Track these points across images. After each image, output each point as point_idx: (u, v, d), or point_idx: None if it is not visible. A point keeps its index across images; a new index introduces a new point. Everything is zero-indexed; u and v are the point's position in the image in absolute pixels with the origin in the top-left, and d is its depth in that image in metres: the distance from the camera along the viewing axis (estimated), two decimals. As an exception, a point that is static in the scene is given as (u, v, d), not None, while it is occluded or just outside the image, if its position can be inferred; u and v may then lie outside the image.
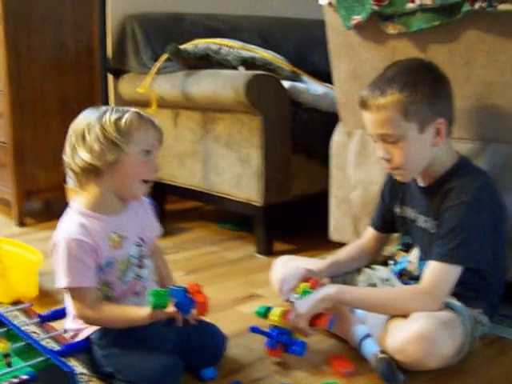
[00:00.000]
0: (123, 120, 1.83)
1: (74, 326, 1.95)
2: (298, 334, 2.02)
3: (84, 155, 1.83)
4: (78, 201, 1.91)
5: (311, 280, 2.09)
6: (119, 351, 1.83)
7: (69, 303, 1.93)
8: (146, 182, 1.91)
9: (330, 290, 1.99)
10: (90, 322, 1.88)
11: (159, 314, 1.80)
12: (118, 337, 1.85)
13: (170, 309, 1.78)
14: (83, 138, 1.84)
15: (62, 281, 1.82)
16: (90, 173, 1.85)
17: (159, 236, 2.09)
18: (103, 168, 1.84)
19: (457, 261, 1.88)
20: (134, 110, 1.88)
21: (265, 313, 2.09)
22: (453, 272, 1.88)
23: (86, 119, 1.86)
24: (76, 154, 1.84)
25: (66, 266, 1.80)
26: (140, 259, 1.96)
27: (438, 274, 1.89)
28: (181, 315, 1.80)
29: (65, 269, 1.80)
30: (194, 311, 1.83)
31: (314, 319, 1.98)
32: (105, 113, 1.85)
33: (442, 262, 1.88)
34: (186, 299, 1.80)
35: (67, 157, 1.88)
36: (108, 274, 1.88)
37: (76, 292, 1.83)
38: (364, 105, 1.97)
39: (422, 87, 1.91)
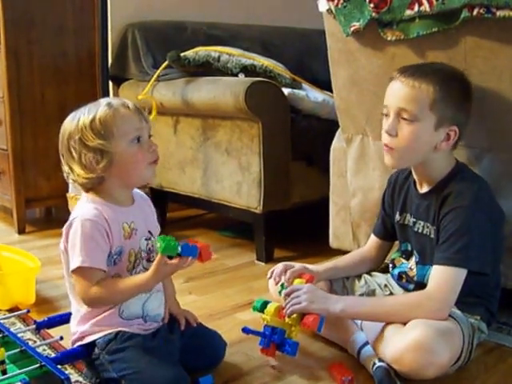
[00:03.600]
0: (97, 120, 1.81)
1: (81, 328, 1.92)
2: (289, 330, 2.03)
3: (79, 172, 1.84)
4: (90, 193, 1.90)
5: (306, 275, 2.10)
6: (127, 357, 1.82)
7: (75, 301, 1.92)
8: (151, 163, 1.90)
9: (335, 307, 1.98)
10: (95, 300, 1.84)
11: (165, 267, 1.79)
12: (126, 343, 1.84)
13: (175, 260, 1.78)
14: (71, 154, 1.84)
15: (75, 261, 1.80)
16: (94, 181, 1.86)
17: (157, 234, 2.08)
18: (102, 173, 1.84)
19: (460, 264, 1.87)
20: (104, 101, 1.87)
21: (261, 308, 2.10)
22: (458, 275, 1.87)
23: (67, 130, 1.86)
24: (73, 171, 1.86)
25: (79, 246, 1.79)
26: (148, 253, 1.95)
27: (443, 278, 1.88)
28: (187, 261, 1.79)
29: (79, 248, 1.79)
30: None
31: (304, 320, 1.98)
32: (79, 117, 1.84)
33: (446, 266, 1.88)
34: (190, 246, 1.79)
35: (67, 173, 1.89)
36: (118, 265, 1.87)
37: (86, 272, 1.80)
38: (398, 78, 1.98)
39: (456, 91, 1.95)
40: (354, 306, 2.01)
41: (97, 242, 1.81)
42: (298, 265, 2.21)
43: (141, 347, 1.83)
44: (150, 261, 1.94)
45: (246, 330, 2.09)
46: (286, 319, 2.04)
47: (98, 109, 1.83)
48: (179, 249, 1.77)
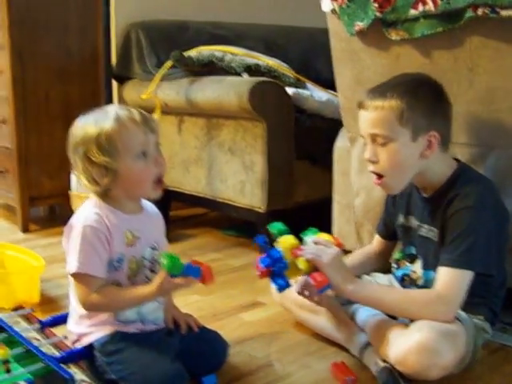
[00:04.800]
0: (103, 135, 1.80)
1: (78, 329, 1.94)
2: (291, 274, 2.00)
3: (85, 182, 1.85)
4: (100, 193, 1.90)
5: (338, 239, 2.06)
6: (123, 358, 1.82)
7: (73, 298, 1.92)
8: (157, 182, 1.89)
9: (347, 286, 1.95)
10: (94, 307, 1.85)
11: (168, 284, 1.79)
12: (122, 344, 1.84)
13: (179, 279, 1.78)
14: (76, 164, 1.85)
15: (71, 265, 1.81)
16: (100, 190, 1.86)
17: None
18: (107, 187, 1.85)
19: (466, 266, 1.86)
20: (111, 114, 1.84)
21: (278, 232, 2.07)
22: (464, 277, 1.86)
23: (74, 139, 1.85)
24: (80, 179, 1.86)
25: (77, 251, 1.80)
26: (153, 263, 1.95)
27: (450, 279, 1.86)
28: (189, 281, 1.79)
29: (76, 253, 1.80)
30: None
31: (314, 274, 1.94)
32: (86, 129, 1.83)
33: (452, 268, 1.86)
34: (193, 267, 1.80)
35: (78, 177, 1.89)
36: (118, 272, 1.87)
37: (83, 278, 1.81)
38: (362, 105, 1.98)
39: (423, 97, 1.92)
40: (363, 290, 1.96)
41: (95, 249, 1.81)
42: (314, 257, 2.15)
43: (137, 347, 1.83)
44: (153, 271, 1.95)
45: (259, 240, 2.04)
46: (299, 260, 1.98)
47: (105, 122, 1.81)
48: (183, 267, 1.78)
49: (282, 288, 1.98)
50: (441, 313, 1.85)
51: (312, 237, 2.06)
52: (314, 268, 1.95)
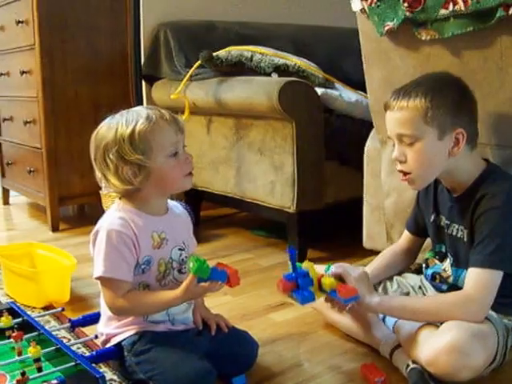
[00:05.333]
0: (136, 134, 1.80)
1: (107, 330, 1.95)
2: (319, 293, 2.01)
3: (115, 182, 1.85)
4: (123, 199, 1.91)
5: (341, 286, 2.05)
6: (152, 358, 1.83)
7: (102, 299, 1.93)
8: (188, 175, 1.90)
9: (372, 300, 1.97)
10: (122, 311, 1.87)
11: (195, 288, 1.80)
12: (151, 344, 1.85)
13: (206, 283, 1.79)
14: (107, 165, 1.84)
15: (97, 270, 1.82)
16: (129, 190, 1.87)
17: (194, 250, 2.08)
18: (139, 186, 1.85)
19: (495, 266, 1.84)
20: (143, 113, 1.85)
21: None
22: (494, 277, 1.85)
23: (104, 139, 1.85)
24: (108, 180, 1.86)
25: (103, 256, 1.81)
26: (181, 264, 1.95)
27: (480, 279, 1.85)
28: (216, 285, 1.81)
29: (102, 258, 1.81)
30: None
31: (341, 286, 1.97)
32: (117, 128, 1.83)
33: (482, 268, 1.85)
34: (220, 271, 1.81)
35: (99, 179, 1.89)
36: (147, 274, 1.88)
37: (109, 283, 1.83)
38: (388, 106, 1.98)
39: (447, 95, 1.91)
40: (391, 301, 2.00)
41: (121, 253, 1.81)
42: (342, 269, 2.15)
43: (165, 347, 1.84)
44: (181, 272, 1.96)
45: (291, 252, 2.02)
46: (323, 278, 2.00)
47: (138, 121, 1.82)
48: (210, 271, 1.79)
49: (307, 299, 1.98)
50: (471, 313, 1.84)
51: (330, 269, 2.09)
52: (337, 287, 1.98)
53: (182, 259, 1.95)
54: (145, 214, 1.89)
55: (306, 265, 2.03)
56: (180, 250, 1.95)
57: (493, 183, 1.92)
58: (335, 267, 2.06)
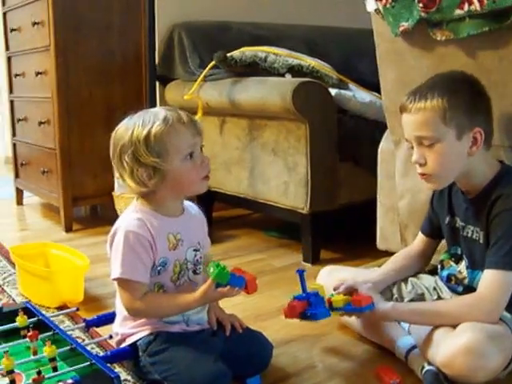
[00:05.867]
0: (152, 136, 1.79)
1: (122, 330, 1.95)
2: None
3: (132, 184, 1.85)
4: (140, 200, 1.91)
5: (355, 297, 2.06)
6: (167, 358, 1.83)
7: (118, 300, 1.94)
8: (203, 178, 1.90)
9: (386, 305, 1.99)
10: (139, 313, 1.88)
11: (213, 292, 1.81)
12: (166, 344, 1.85)
13: (224, 289, 1.80)
14: (123, 166, 1.84)
15: (115, 271, 1.82)
16: (145, 192, 1.87)
17: (209, 250, 2.09)
18: (154, 188, 1.85)
19: (509, 267, 1.84)
20: (160, 115, 1.84)
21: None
22: (507, 278, 1.84)
23: (120, 141, 1.84)
24: (124, 181, 1.86)
25: (120, 257, 1.81)
26: (195, 264, 1.96)
27: (494, 280, 1.85)
28: (233, 291, 1.82)
29: (119, 260, 1.81)
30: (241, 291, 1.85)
31: (356, 295, 2.02)
32: (133, 129, 1.82)
33: (496, 270, 1.84)
34: (238, 277, 1.82)
35: (118, 179, 1.90)
36: (162, 275, 1.88)
37: (126, 284, 1.83)
38: (404, 108, 1.97)
39: (463, 95, 1.90)
40: (404, 306, 2.02)
41: (138, 254, 1.82)
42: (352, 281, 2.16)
43: (180, 347, 1.84)
44: (196, 273, 1.96)
45: (300, 272, 2.04)
46: (334, 297, 2.05)
47: (155, 123, 1.81)
48: (229, 277, 1.80)
49: (323, 314, 2.01)
50: (486, 313, 1.84)
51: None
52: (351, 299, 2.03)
53: (197, 260, 1.96)
54: (161, 215, 1.89)
55: (315, 286, 2.06)
56: (195, 250, 1.95)
57: (507, 184, 1.92)
58: (344, 286, 2.11)
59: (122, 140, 1.84)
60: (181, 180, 1.85)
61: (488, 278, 1.86)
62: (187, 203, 2.02)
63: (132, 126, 1.83)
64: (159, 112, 1.86)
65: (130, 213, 1.89)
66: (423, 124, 1.90)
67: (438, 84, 1.93)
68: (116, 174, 1.89)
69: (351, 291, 2.09)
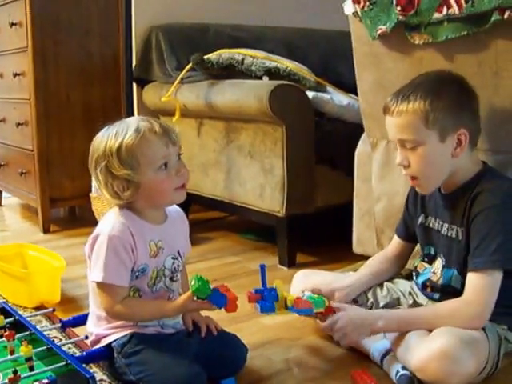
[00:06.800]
0: (123, 148, 1.79)
1: (97, 330, 1.95)
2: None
3: (107, 196, 1.86)
4: (123, 205, 1.90)
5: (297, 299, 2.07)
6: (142, 360, 1.83)
7: (93, 302, 1.95)
8: (178, 188, 1.89)
9: (375, 328, 1.97)
10: (118, 316, 1.88)
11: (192, 303, 1.84)
12: (141, 345, 1.85)
13: (203, 303, 1.83)
14: (98, 177, 1.85)
15: (96, 275, 1.82)
16: (123, 204, 1.88)
17: (188, 254, 2.09)
18: (129, 199, 1.86)
19: (497, 265, 1.83)
20: (132, 126, 1.83)
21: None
22: (494, 279, 1.84)
23: (95, 153, 1.85)
24: (101, 192, 1.87)
25: (103, 261, 1.81)
26: (173, 272, 1.96)
27: (481, 283, 1.84)
28: (212, 306, 1.84)
29: (102, 263, 1.81)
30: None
31: (297, 299, 2.04)
32: (107, 141, 1.82)
33: (483, 270, 1.84)
34: (220, 295, 1.84)
35: (96, 187, 1.91)
36: (139, 280, 1.88)
37: (107, 288, 1.83)
38: (387, 110, 1.96)
39: (447, 96, 1.90)
40: (392, 323, 1.97)
41: (121, 259, 1.82)
42: (325, 288, 2.18)
43: (155, 348, 1.84)
44: (172, 280, 1.97)
45: (262, 268, 2.07)
46: (289, 296, 2.06)
47: (126, 134, 1.80)
48: (210, 293, 1.82)
49: (266, 308, 2.01)
50: (472, 318, 1.84)
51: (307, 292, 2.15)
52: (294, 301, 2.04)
53: (175, 268, 1.96)
54: (144, 222, 1.89)
55: (276, 283, 2.06)
56: (173, 258, 1.96)
57: (490, 181, 1.92)
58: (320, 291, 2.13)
59: (96, 152, 1.84)
60: (155, 191, 1.85)
61: (474, 281, 1.86)
62: (171, 208, 2.01)
63: (106, 138, 1.83)
64: (132, 123, 1.85)
65: (114, 217, 1.88)
66: (405, 127, 1.91)
67: (422, 85, 1.93)
68: (95, 184, 1.91)
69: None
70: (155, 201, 1.89)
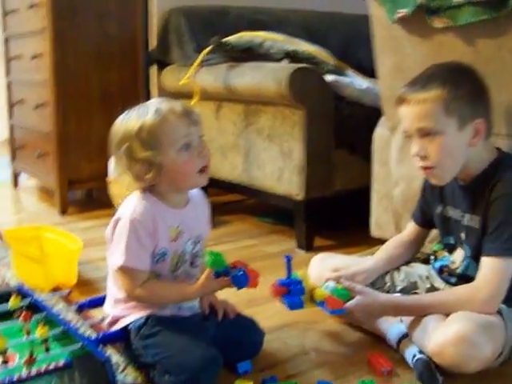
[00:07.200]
0: (145, 130, 1.79)
1: (113, 312, 1.95)
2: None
3: (130, 179, 1.86)
4: (145, 188, 1.90)
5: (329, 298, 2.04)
6: (159, 342, 1.83)
7: (112, 284, 1.95)
8: (202, 170, 1.88)
9: (388, 312, 2.00)
10: (139, 300, 1.88)
11: (212, 283, 1.85)
12: (157, 327, 1.85)
13: (224, 280, 1.85)
14: (120, 161, 1.85)
15: (117, 259, 1.82)
16: (144, 186, 1.88)
17: (207, 237, 2.08)
18: (152, 182, 1.85)
19: (508, 253, 1.83)
20: (152, 107, 1.83)
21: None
22: (507, 266, 1.83)
23: (116, 136, 1.85)
24: (123, 175, 1.86)
25: (124, 245, 1.81)
26: (193, 257, 1.96)
27: (492, 269, 1.84)
28: (234, 286, 1.86)
29: (123, 247, 1.81)
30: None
31: (329, 297, 2.00)
32: (127, 125, 1.82)
33: (495, 257, 1.84)
34: (244, 275, 1.85)
35: (119, 173, 1.90)
36: (159, 265, 1.88)
37: (129, 272, 1.83)
38: (403, 100, 1.94)
39: (465, 85, 1.88)
40: (405, 309, 1.99)
41: (142, 243, 1.82)
42: (345, 272, 2.17)
43: (172, 331, 1.84)
44: (193, 265, 1.97)
45: (288, 259, 2.05)
46: (316, 290, 2.04)
47: (147, 116, 1.81)
48: (226, 263, 1.85)
49: (295, 305, 2.00)
50: (484, 304, 1.83)
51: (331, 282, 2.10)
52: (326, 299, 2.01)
53: (195, 253, 1.96)
54: (165, 205, 1.89)
55: (301, 273, 2.05)
56: (194, 243, 1.96)
57: (507, 169, 1.91)
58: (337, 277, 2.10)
59: (117, 136, 1.84)
60: (177, 173, 1.84)
61: (487, 267, 1.86)
62: (192, 191, 2.00)
63: (126, 121, 1.84)
64: (152, 104, 1.85)
65: (136, 200, 1.88)
66: (425, 116, 1.88)
67: (439, 74, 1.91)
68: (110, 159, 1.90)
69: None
70: (178, 183, 1.88)
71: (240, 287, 1.86)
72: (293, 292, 2.00)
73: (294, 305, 1.99)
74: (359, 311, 2.00)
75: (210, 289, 1.89)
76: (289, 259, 2.04)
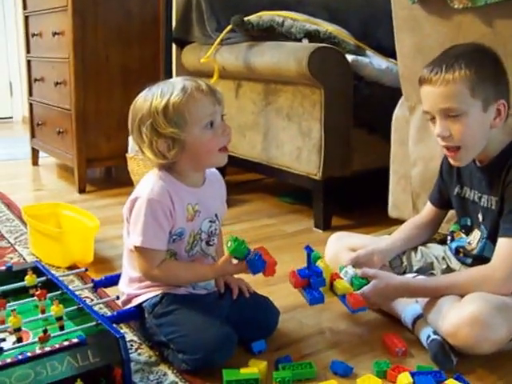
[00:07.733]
0: (170, 106, 1.78)
1: (128, 290, 1.96)
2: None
3: (150, 156, 1.84)
4: (163, 167, 1.89)
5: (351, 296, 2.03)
6: (173, 321, 1.84)
7: (128, 263, 1.96)
8: (222, 149, 1.88)
9: (403, 294, 2.02)
10: (155, 280, 1.89)
11: (230, 266, 1.87)
12: (172, 306, 1.86)
13: (241, 265, 1.86)
14: (142, 138, 1.84)
15: (135, 239, 1.83)
16: (165, 164, 1.87)
17: (223, 217, 2.08)
18: (173, 159, 1.84)
19: None
20: (178, 85, 1.82)
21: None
22: None
23: (139, 112, 1.84)
24: (144, 153, 1.86)
25: (142, 225, 1.81)
26: (210, 236, 1.97)
27: (508, 249, 1.84)
28: (249, 272, 1.88)
29: (140, 227, 1.81)
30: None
31: (351, 294, 2.00)
32: (152, 100, 1.81)
33: (510, 238, 1.84)
34: (260, 259, 1.85)
35: (138, 151, 1.89)
36: (176, 244, 1.89)
37: (146, 252, 1.83)
38: (427, 80, 1.91)
39: (489, 66, 1.88)
40: (419, 289, 1.99)
41: (160, 223, 1.82)
42: (364, 251, 2.18)
43: (187, 309, 1.85)
44: (209, 244, 1.97)
45: (308, 250, 2.04)
46: (337, 281, 2.04)
47: (173, 93, 1.80)
48: (247, 252, 1.86)
49: (315, 300, 1.99)
50: (499, 284, 1.83)
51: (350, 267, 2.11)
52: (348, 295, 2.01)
53: (212, 231, 1.97)
54: (183, 184, 1.89)
55: (321, 264, 2.04)
56: (210, 222, 1.96)
57: None
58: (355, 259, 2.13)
59: (140, 111, 1.83)
60: (199, 150, 1.83)
61: (502, 247, 1.86)
62: (209, 171, 2.00)
63: (150, 97, 1.82)
64: (178, 82, 1.84)
65: (154, 179, 1.88)
66: (451, 96, 1.86)
67: (463, 55, 1.89)
68: (135, 147, 1.89)
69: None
70: (199, 161, 1.88)
71: (255, 272, 1.87)
72: (313, 285, 1.99)
73: (315, 300, 1.98)
74: (374, 295, 2.01)
75: (225, 271, 1.91)
76: (309, 252, 2.03)
